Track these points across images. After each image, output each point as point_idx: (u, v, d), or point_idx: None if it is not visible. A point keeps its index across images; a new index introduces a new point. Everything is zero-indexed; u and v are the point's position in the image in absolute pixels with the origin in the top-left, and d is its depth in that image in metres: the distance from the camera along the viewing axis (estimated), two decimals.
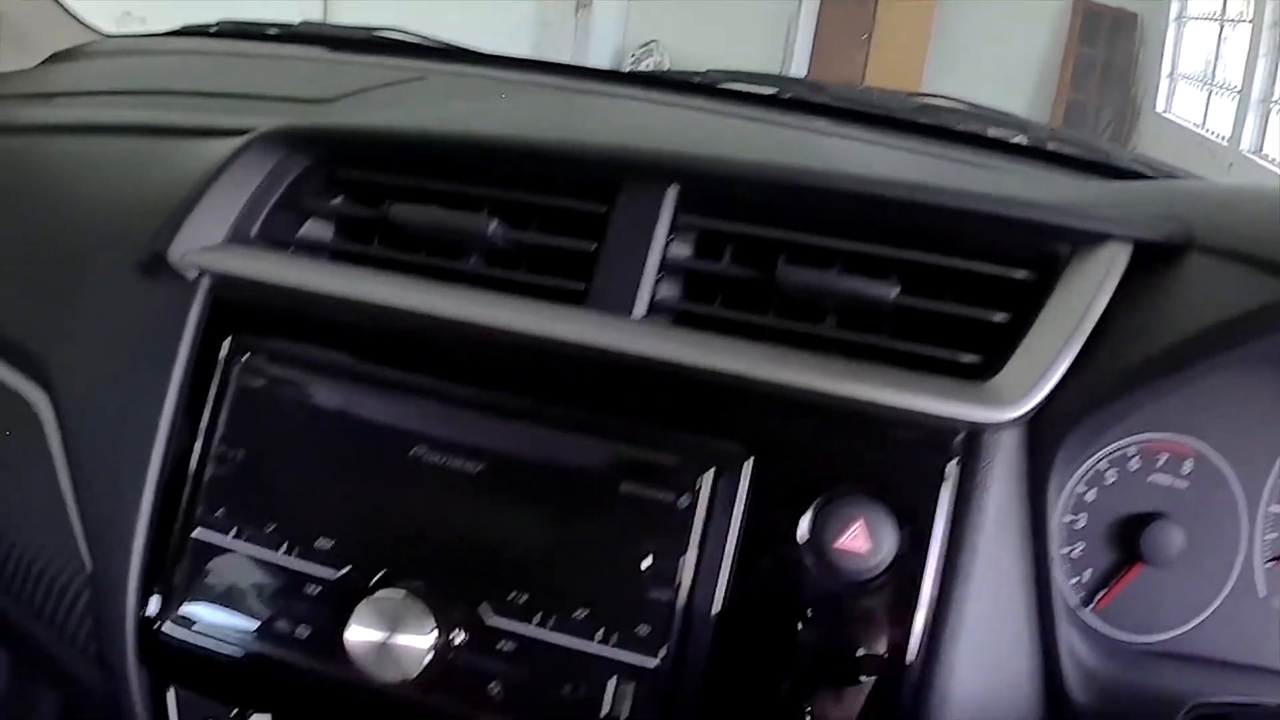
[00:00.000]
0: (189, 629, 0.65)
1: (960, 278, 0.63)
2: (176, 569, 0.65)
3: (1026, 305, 0.61)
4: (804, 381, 0.59)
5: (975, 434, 0.57)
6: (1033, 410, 0.57)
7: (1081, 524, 0.61)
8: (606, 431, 0.61)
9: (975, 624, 0.56)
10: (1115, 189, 0.80)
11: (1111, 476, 0.60)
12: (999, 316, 0.61)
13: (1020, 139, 1.00)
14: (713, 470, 0.59)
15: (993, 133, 1.00)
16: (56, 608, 0.69)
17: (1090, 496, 0.60)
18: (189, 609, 0.65)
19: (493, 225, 0.65)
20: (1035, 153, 0.95)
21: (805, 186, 0.64)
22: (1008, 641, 0.57)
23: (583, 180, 0.66)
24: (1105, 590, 0.60)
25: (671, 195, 0.65)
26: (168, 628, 0.65)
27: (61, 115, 0.85)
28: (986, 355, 0.60)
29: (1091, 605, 0.60)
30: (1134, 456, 0.60)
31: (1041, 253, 0.63)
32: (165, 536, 0.65)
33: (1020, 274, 0.62)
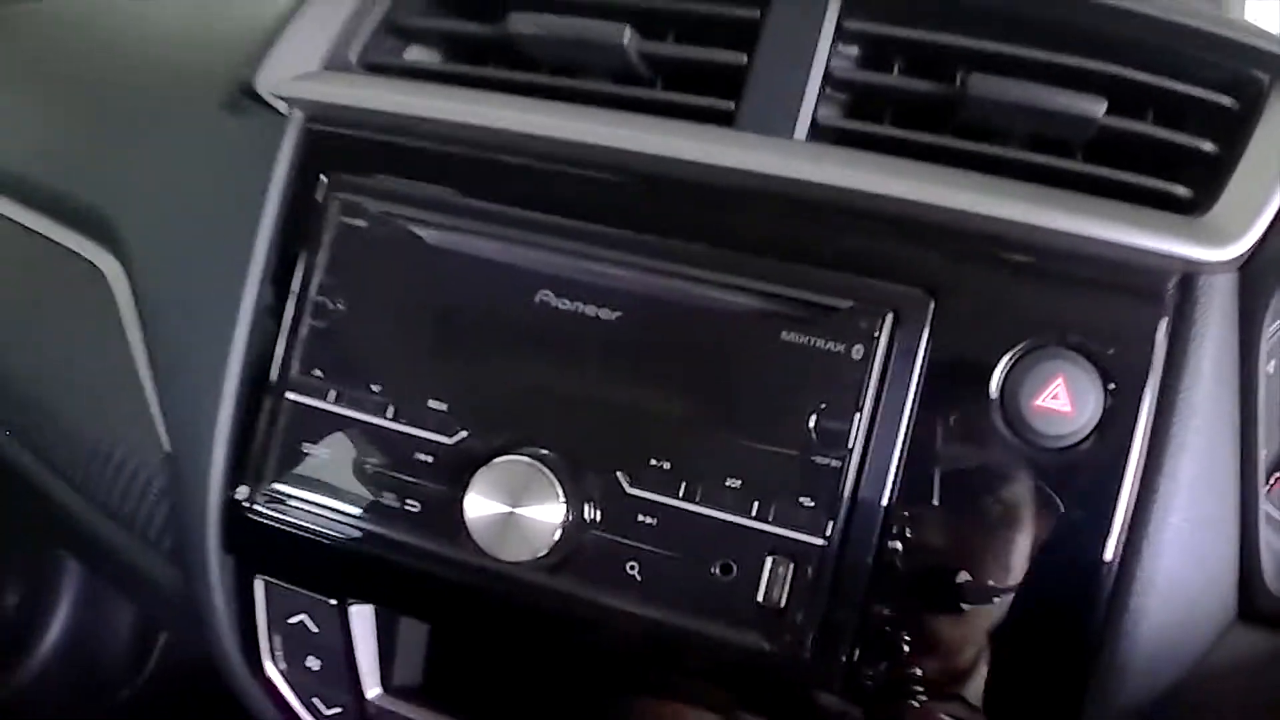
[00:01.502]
0: (280, 509, 0.60)
1: (1156, 103, 0.56)
2: (267, 440, 0.60)
3: (1226, 137, 0.54)
4: (997, 210, 0.52)
5: (1190, 278, 0.51)
6: (1249, 251, 0.51)
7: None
8: (764, 272, 0.54)
9: (1185, 501, 0.50)
10: None
11: None
12: (1208, 146, 0.54)
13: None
14: (890, 316, 0.52)
15: None
16: (126, 499, 0.66)
17: (1271, 368, 0.54)
18: (280, 485, 0.60)
19: (627, 35, 0.57)
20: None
21: None
22: (1215, 524, 0.51)
23: None
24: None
25: None
26: (256, 508, 0.61)
27: None
28: (1196, 189, 0.53)
29: (1267, 488, 0.54)
30: None
31: (1242, 80, 0.56)
32: (255, 406, 0.61)
33: (1227, 100, 0.55)
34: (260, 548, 0.62)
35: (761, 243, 0.54)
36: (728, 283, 0.54)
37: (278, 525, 0.60)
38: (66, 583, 1.02)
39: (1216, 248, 0.50)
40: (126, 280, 0.66)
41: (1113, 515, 0.50)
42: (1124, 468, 0.50)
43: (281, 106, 0.62)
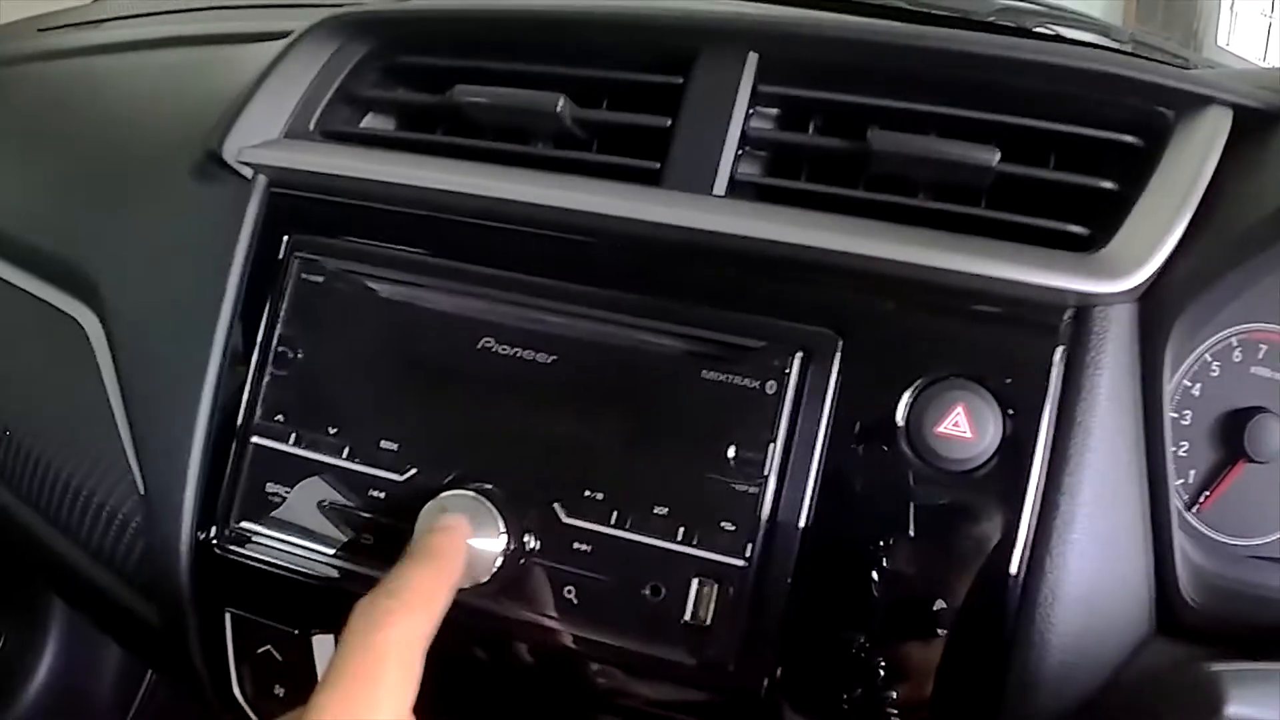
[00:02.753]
0: (246, 545, 0.64)
1: (1058, 147, 0.60)
2: (234, 481, 0.64)
3: (1131, 174, 0.58)
4: (898, 255, 0.55)
5: (1085, 310, 0.54)
6: (1147, 282, 0.54)
7: (1187, 421, 0.58)
8: (686, 317, 0.58)
9: (1086, 517, 0.53)
10: (1203, 72, 0.76)
11: (1215, 369, 0.58)
12: (1107, 184, 0.58)
13: (1102, 41, 0.97)
14: (800, 354, 0.56)
15: (1073, 35, 0.95)
16: (105, 536, 0.69)
17: (1196, 391, 0.58)
18: (246, 524, 0.63)
19: (561, 103, 0.62)
20: (1117, 54, 0.90)
21: (898, 47, 0.60)
22: (1121, 538, 0.54)
23: (656, 52, 0.63)
24: (1209, 491, 0.58)
25: (752, 63, 0.62)
26: (223, 544, 0.64)
27: (109, 36, 0.86)
28: (1093, 227, 0.57)
29: (1195, 507, 0.58)
30: (1236, 348, 0.58)
31: (1144, 118, 0.59)
32: (223, 449, 0.64)
33: (1129, 139, 0.59)
34: (228, 583, 0.65)
35: (685, 290, 0.58)
36: (654, 327, 0.58)
37: (244, 561, 0.63)
38: (53, 625, 1.05)
39: (1108, 281, 0.52)
40: (104, 333, 0.70)
41: (1016, 532, 0.53)
42: (1024, 487, 0.53)
43: (246, 172, 0.66)
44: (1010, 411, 0.53)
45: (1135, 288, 0.53)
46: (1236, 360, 0.58)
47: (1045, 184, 0.58)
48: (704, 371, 0.57)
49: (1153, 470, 0.54)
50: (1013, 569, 0.53)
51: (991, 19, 0.95)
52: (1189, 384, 0.59)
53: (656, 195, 0.60)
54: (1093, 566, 0.53)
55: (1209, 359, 0.58)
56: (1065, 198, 0.58)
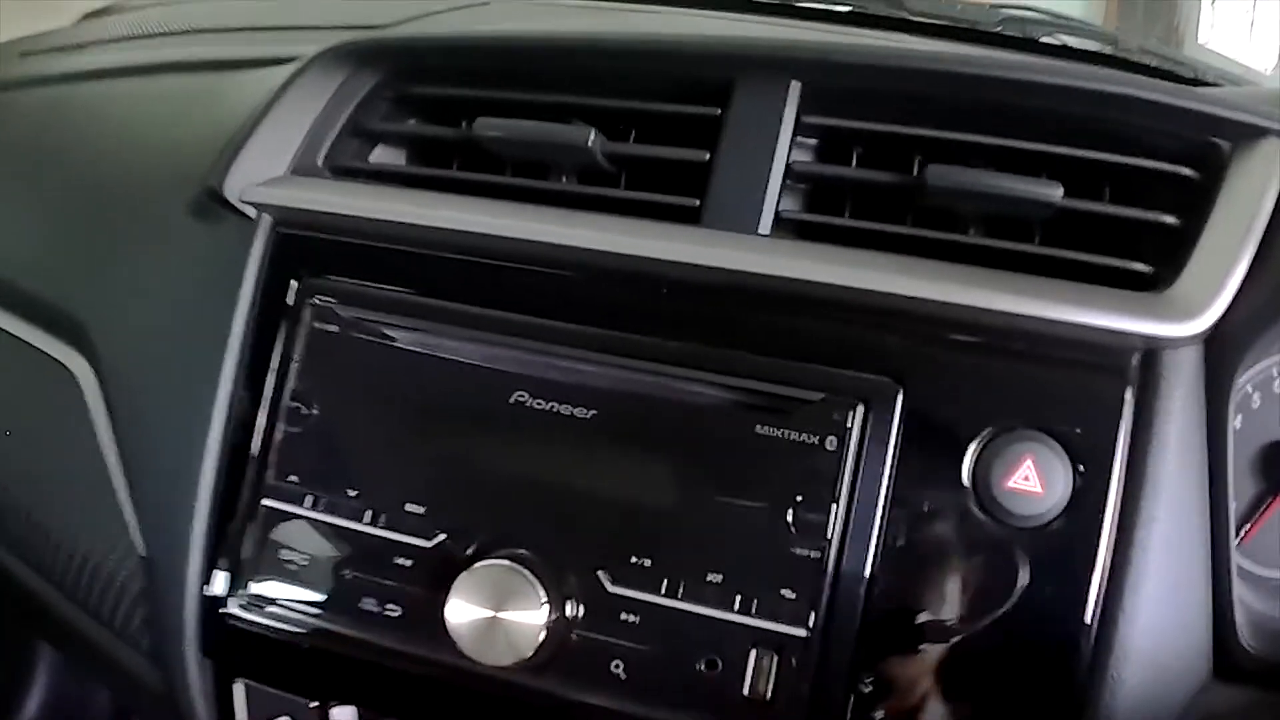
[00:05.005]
0: (258, 613, 0.57)
1: (1110, 179, 0.55)
2: (243, 546, 0.57)
3: (1187, 208, 0.53)
4: (960, 297, 0.50)
5: (1153, 354, 0.50)
6: (1215, 323, 0.49)
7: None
8: (735, 367, 0.52)
9: (1156, 568, 0.49)
10: (1235, 91, 0.72)
11: (1256, 400, 0.54)
12: (1169, 219, 0.53)
13: (1109, 50, 0.93)
14: (861, 406, 0.51)
15: (1081, 45, 0.92)
16: (104, 598, 0.62)
17: (1237, 423, 0.53)
18: (258, 590, 0.57)
19: (592, 137, 0.56)
20: (1125, 64, 0.87)
21: (948, 74, 0.55)
22: (1184, 586, 0.50)
23: (690, 82, 0.57)
24: (1250, 524, 0.54)
25: (795, 92, 0.56)
26: (234, 612, 0.57)
27: (97, 61, 0.78)
28: (1154, 264, 0.52)
29: (1238, 540, 0.53)
30: (1277, 378, 0.55)
31: (1198, 149, 0.55)
32: (229, 511, 0.58)
33: (1186, 171, 0.54)
34: (240, 651, 0.58)
35: (732, 337, 0.52)
36: (701, 378, 0.52)
37: (257, 629, 0.57)
38: (42, 662, 0.99)
39: (1179, 323, 0.49)
40: (96, 382, 0.64)
41: (1087, 590, 0.49)
42: (1096, 544, 0.49)
43: (250, 211, 0.59)
44: (1080, 463, 0.49)
45: (1206, 329, 0.49)
46: (1277, 390, 0.54)
47: (1101, 219, 0.54)
48: (758, 426, 0.51)
49: (1215, 515, 0.50)
50: (1084, 629, 0.49)
51: (999, 29, 0.90)
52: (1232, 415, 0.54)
53: (699, 235, 0.54)
54: (1160, 617, 0.49)
55: (1250, 390, 0.54)
56: (1118, 233, 0.54)
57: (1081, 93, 0.54)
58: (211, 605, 0.58)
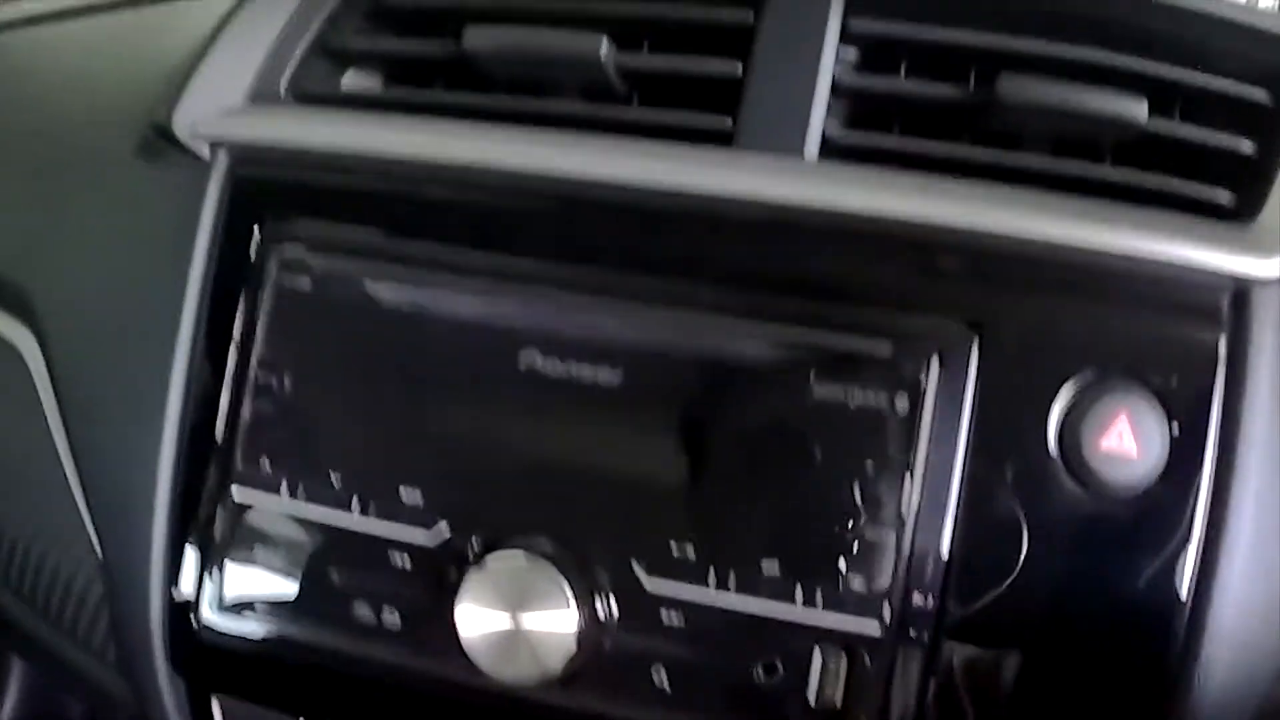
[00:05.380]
0: (233, 621, 0.49)
1: (1185, 101, 0.48)
2: (211, 543, 0.49)
3: (1265, 134, 0.47)
4: (1046, 231, 0.43)
5: (1243, 294, 0.43)
6: None
7: None
8: (788, 315, 0.44)
9: (1251, 535, 0.43)
10: None
11: None
12: (1246, 146, 0.46)
13: None
14: (936, 358, 0.43)
15: None
16: (64, 604, 0.54)
17: None
18: (231, 595, 0.49)
19: (605, 47, 0.47)
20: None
21: None
22: (1272, 557, 0.44)
23: None
24: None
25: None
26: (207, 621, 0.49)
27: (23, 10, 0.69)
28: (1238, 194, 0.45)
29: None
30: None
31: (1274, 73, 0.48)
32: (195, 504, 0.50)
33: (1261, 95, 0.47)
34: (214, 665, 0.50)
35: (779, 281, 0.44)
36: (746, 330, 0.44)
37: (232, 640, 0.49)
38: (15, 669, 0.93)
39: (1269, 258, 0.43)
40: (43, 358, 0.55)
41: (1184, 563, 0.42)
42: (1193, 513, 0.42)
43: (203, 149, 0.51)
44: (1176, 419, 0.42)
45: None
46: None
47: (1176, 143, 0.47)
48: (816, 386, 0.43)
49: None
50: (1179, 605, 0.42)
51: None
52: None
53: (738, 161, 0.45)
54: (1250, 591, 0.43)
55: None
56: (1184, 159, 0.47)
57: (1155, 6, 0.48)
58: (179, 614, 0.50)
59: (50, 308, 0.55)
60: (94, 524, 0.53)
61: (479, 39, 0.49)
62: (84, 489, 0.53)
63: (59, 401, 0.54)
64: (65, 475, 0.54)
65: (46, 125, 0.60)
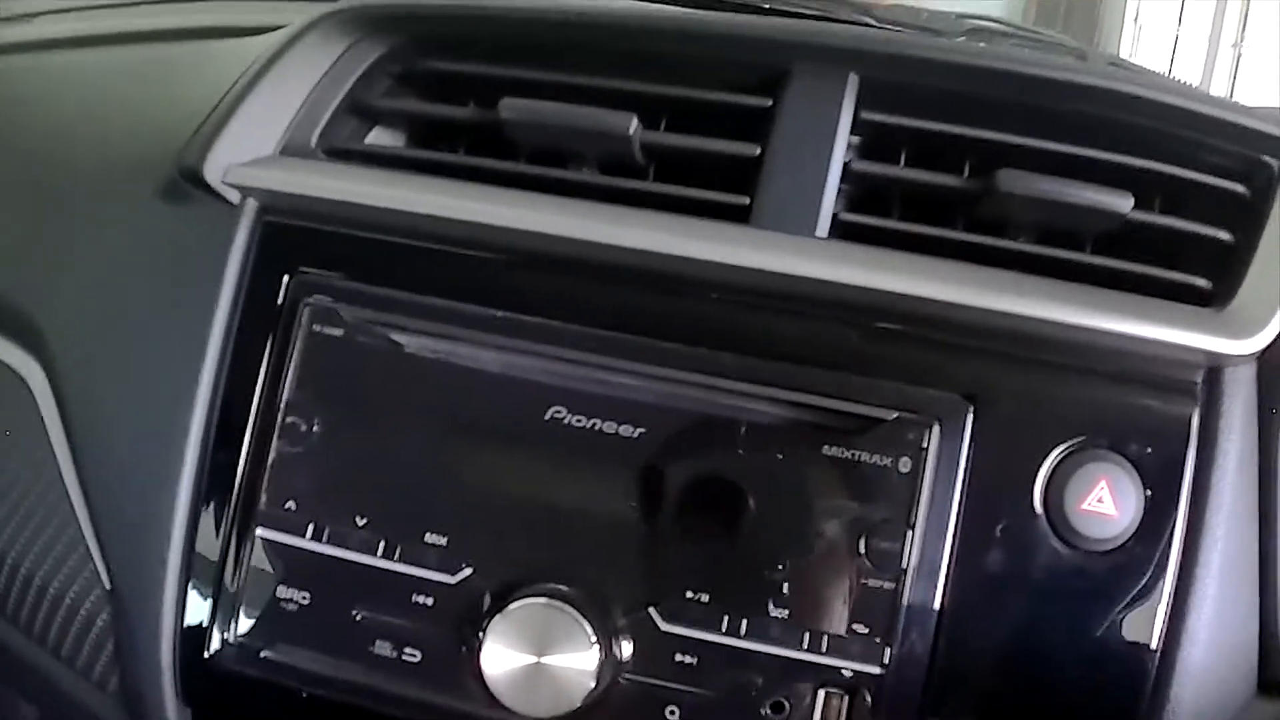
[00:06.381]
0: (251, 660, 0.49)
1: (1166, 193, 0.53)
2: (232, 581, 0.49)
3: (1237, 224, 0.51)
4: (1039, 311, 0.46)
5: (1216, 371, 0.47)
6: (1273, 341, 0.47)
7: None
8: (800, 381, 0.47)
9: (1218, 587, 0.47)
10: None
11: None
12: (1224, 235, 0.50)
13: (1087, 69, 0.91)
14: (937, 426, 0.46)
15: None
16: (64, 634, 0.53)
17: None
18: (250, 632, 0.49)
19: (633, 125, 0.50)
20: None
21: (1016, 75, 0.51)
22: (1240, 603, 0.48)
23: (740, 70, 0.51)
24: None
25: (853, 86, 0.51)
26: (219, 653, 0.50)
27: (49, 30, 0.68)
28: (1214, 280, 0.50)
29: None
30: None
31: (1247, 166, 0.52)
32: (213, 542, 0.50)
33: (1239, 188, 0.52)
34: (229, 701, 0.50)
35: (792, 349, 0.47)
36: (760, 393, 0.46)
37: (249, 676, 0.49)
38: None
39: (1241, 339, 0.47)
40: (49, 389, 0.55)
41: (1156, 610, 0.46)
42: (1164, 566, 0.46)
43: (233, 195, 0.51)
44: (1150, 483, 0.46)
45: (1268, 345, 0.47)
46: None
47: (1156, 233, 0.51)
48: (825, 446, 0.46)
49: (1263, 534, 0.48)
50: (1151, 650, 0.46)
51: (962, 39, 0.89)
52: None
53: (755, 237, 0.48)
54: (1217, 636, 0.47)
55: None
56: (1165, 248, 0.51)
57: (1143, 102, 0.51)
58: (192, 646, 0.50)
59: (60, 337, 0.55)
60: (102, 553, 0.52)
61: (514, 110, 0.51)
62: (92, 518, 0.53)
63: (66, 431, 0.54)
64: (71, 504, 0.53)
65: (66, 155, 0.60)
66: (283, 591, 0.48)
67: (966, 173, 0.52)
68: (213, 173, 0.51)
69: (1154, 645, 0.46)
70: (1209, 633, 0.47)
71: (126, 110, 0.58)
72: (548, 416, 0.48)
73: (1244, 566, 0.48)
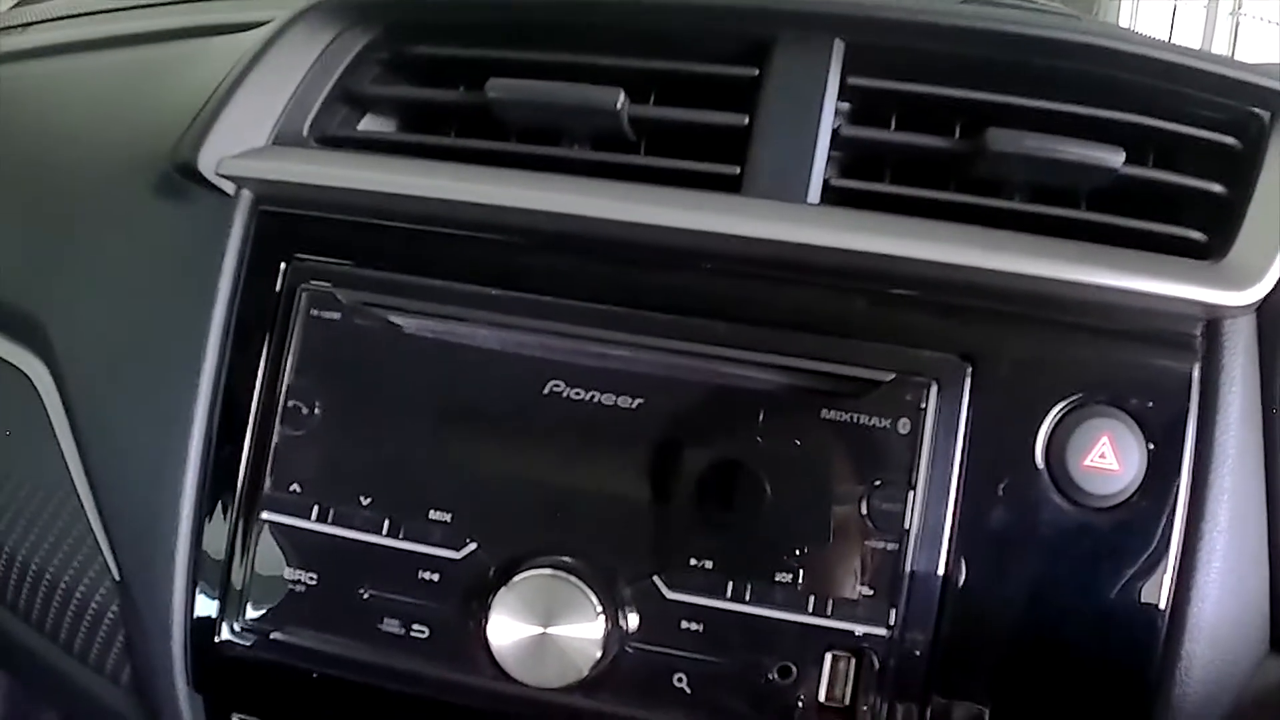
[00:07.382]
0: (261, 641, 0.49)
1: (1158, 147, 0.52)
2: (239, 565, 0.49)
3: (1230, 177, 0.50)
4: (1034, 268, 0.46)
5: (1215, 324, 0.47)
6: (1270, 291, 0.47)
7: None
8: (797, 347, 0.46)
9: (1226, 542, 0.47)
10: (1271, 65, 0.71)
11: None
12: (1217, 188, 0.50)
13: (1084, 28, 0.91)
14: (935, 386, 0.46)
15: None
16: (75, 627, 0.54)
17: None
18: (258, 615, 0.49)
19: (620, 100, 0.50)
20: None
21: (1003, 34, 0.50)
22: (1249, 558, 0.48)
23: (724, 40, 0.51)
24: None
25: (839, 52, 0.50)
26: (230, 641, 0.49)
27: (44, 38, 0.68)
28: (1209, 233, 0.49)
29: None
30: None
31: (1243, 118, 0.52)
32: (220, 527, 0.50)
33: (1231, 140, 0.51)
34: (240, 685, 0.50)
35: (788, 316, 0.47)
36: (758, 360, 0.46)
37: (259, 660, 0.49)
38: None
39: (1238, 290, 0.46)
40: (54, 386, 0.55)
41: (1163, 569, 0.46)
42: (1171, 521, 0.46)
43: (227, 186, 0.51)
44: (1153, 438, 0.45)
45: (1264, 296, 0.46)
46: None
47: (1149, 187, 0.50)
48: (823, 410, 0.45)
49: (1270, 487, 0.48)
50: (1161, 606, 0.46)
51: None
52: None
53: (745, 205, 0.47)
54: (1226, 593, 0.47)
55: None
56: (1160, 202, 0.50)
57: (1133, 58, 0.50)
58: (203, 634, 0.50)
59: (63, 336, 0.55)
60: (111, 546, 0.52)
61: (501, 89, 0.50)
62: (100, 511, 0.53)
63: (73, 427, 0.54)
64: (79, 498, 0.53)
65: (63, 156, 0.60)
66: (290, 574, 0.48)
67: (957, 134, 0.51)
68: (207, 165, 0.51)
69: (1163, 603, 0.45)
70: (1219, 589, 0.46)
71: (122, 111, 0.58)
72: (546, 391, 0.47)
73: (1252, 522, 0.47)
